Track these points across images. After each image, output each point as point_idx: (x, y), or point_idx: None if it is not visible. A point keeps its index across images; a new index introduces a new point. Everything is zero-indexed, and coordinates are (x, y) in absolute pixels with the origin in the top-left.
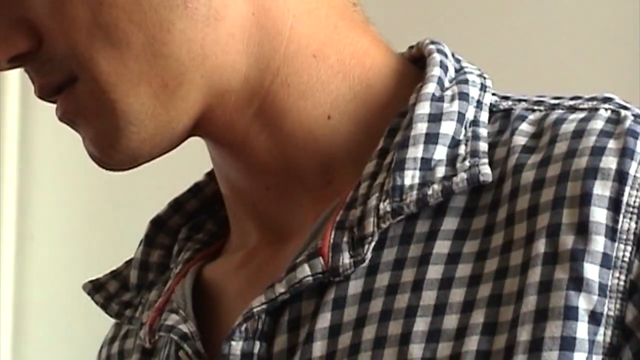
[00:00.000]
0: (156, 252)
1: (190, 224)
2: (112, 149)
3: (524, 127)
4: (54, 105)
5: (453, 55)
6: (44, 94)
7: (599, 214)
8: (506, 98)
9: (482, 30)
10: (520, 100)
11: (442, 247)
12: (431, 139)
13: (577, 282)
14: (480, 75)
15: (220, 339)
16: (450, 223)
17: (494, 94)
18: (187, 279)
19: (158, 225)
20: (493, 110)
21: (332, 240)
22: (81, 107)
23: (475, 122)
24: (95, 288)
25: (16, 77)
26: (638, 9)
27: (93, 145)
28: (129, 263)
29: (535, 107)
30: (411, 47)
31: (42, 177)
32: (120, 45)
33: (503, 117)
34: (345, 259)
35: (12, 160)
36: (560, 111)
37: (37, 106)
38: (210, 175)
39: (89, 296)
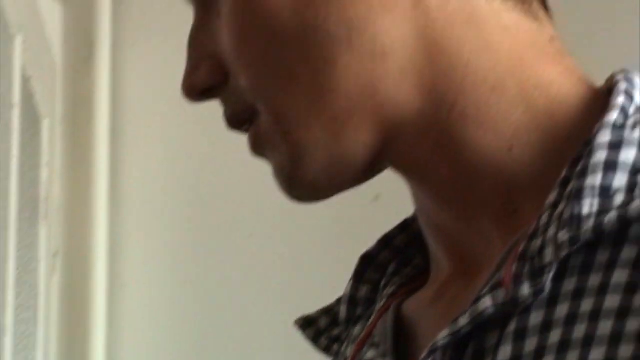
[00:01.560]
0: (365, 287)
1: (399, 259)
2: (291, 180)
3: None
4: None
5: None
6: (232, 125)
7: None
8: None
9: None
10: None
11: (620, 275)
12: (610, 166)
13: None
14: None
15: None
16: (629, 251)
17: None
18: (389, 313)
19: (368, 261)
20: None
21: (514, 271)
22: (264, 140)
23: None
24: (306, 323)
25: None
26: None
27: (276, 176)
28: (340, 300)
29: None
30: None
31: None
32: (288, 79)
33: None
34: (526, 289)
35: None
36: None
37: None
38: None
39: (300, 330)
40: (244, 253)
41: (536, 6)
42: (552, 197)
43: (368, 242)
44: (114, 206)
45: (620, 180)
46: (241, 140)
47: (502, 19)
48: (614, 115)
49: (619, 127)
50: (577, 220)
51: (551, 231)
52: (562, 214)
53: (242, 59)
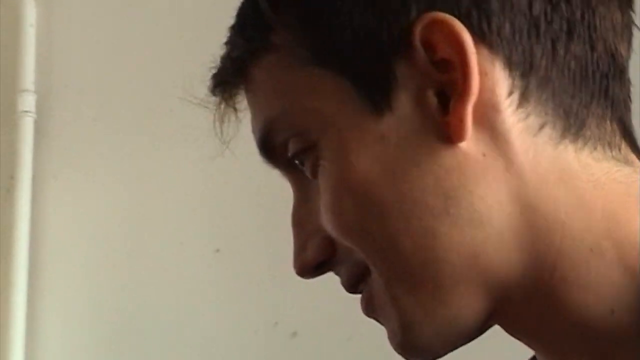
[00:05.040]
0: None
1: None
2: (404, 346)
3: None
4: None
5: None
6: (351, 290)
7: None
8: None
9: None
10: None
11: None
12: None
13: None
14: None
15: None
16: None
17: None
18: None
19: None
20: None
21: None
22: (375, 302)
23: None
24: None
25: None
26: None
27: (391, 340)
28: None
29: None
30: None
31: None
32: (390, 250)
33: None
34: None
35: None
36: None
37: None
38: None
39: None
40: None
41: (625, 149)
42: None
43: None
44: (31, 335)
45: None
46: (159, 267)
47: (593, 173)
48: None
49: None
50: None
51: None
52: None
53: (341, 229)
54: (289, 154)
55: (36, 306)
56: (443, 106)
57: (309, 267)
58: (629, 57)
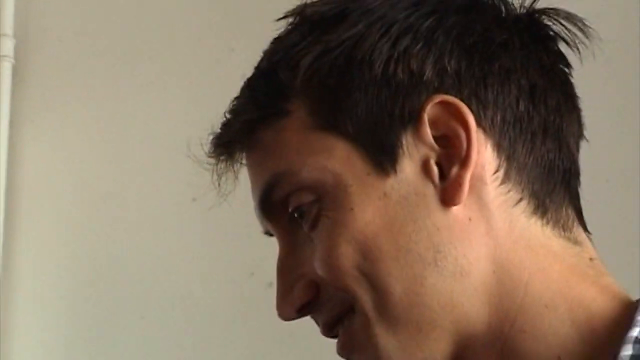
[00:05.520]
0: None
1: None
2: None
3: None
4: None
5: None
6: (327, 332)
7: None
8: None
9: None
10: None
11: None
12: None
13: None
14: None
15: None
16: None
17: None
18: None
19: None
20: None
21: None
22: (354, 339)
23: None
24: None
25: None
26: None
27: None
28: None
29: None
30: None
31: None
32: (382, 292)
33: None
34: None
35: None
36: None
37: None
38: None
39: None
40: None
41: (576, 231)
42: None
43: None
44: (5, 273)
45: None
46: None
47: (553, 246)
48: (635, 332)
49: (639, 341)
50: None
51: None
52: None
53: (336, 272)
54: (291, 207)
55: (11, 249)
56: (442, 174)
57: (295, 307)
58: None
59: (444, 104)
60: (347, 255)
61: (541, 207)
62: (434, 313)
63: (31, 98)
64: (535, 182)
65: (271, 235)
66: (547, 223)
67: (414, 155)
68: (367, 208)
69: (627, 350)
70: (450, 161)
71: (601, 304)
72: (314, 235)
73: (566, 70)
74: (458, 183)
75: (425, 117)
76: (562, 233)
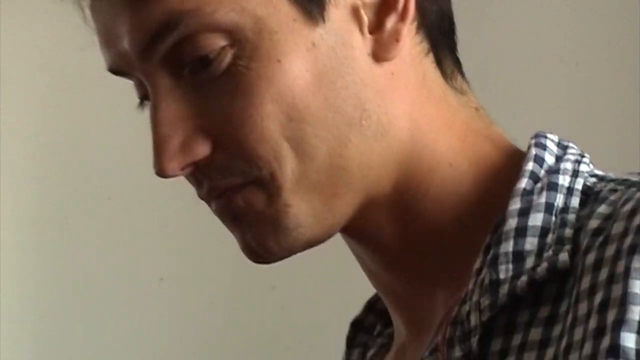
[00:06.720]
0: (356, 350)
1: (382, 321)
2: (277, 246)
3: (602, 209)
4: None
5: (559, 143)
6: (213, 196)
7: (637, 286)
8: (602, 179)
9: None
10: (611, 181)
11: (536, 334)
12: (520, 232)
13: (615, 350)
14: (576, 161)
15: None
16: (544, 310)
17: (594, 176)
18: None
19: (356, 326)
20: (589, 193)
21: (447, 335)
22: (249, 207)
23: (564, 209)
24: None
25: None
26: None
27: (256, 241)
28: None
29: (618, 187)
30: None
31: None
32: (306, 157)
33: (593, 200)
34: (457, 352)
35: None
36: (633, 189)
37: None
38: None
39: None
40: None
41: (460, 80)
42: (477, 264)
43: None
44: None
45: (531, 243)
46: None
47: (450, 99)
48: (522, 183)
49: (527, 193)
50: (495, 285)
51: (475, 296)
52: (483, 280)
53: (255, 133)
54: (199, 51)
55: None
56: (375, 25)
57: (183, 162)
58: None
59: None
60: (272, 116)
61: (437, 57)
62: (352, 176)
63: None
64: (433, 30)
65: (144, 99)
66: (444, 74)
67: (343, 2)
68: (296, 60)
69: (515, 204)
70: (384, 11)
71: (496, 160)
72: (221, 87)
73: None
74: (394, 37)
75: None
76: (452, 83)
